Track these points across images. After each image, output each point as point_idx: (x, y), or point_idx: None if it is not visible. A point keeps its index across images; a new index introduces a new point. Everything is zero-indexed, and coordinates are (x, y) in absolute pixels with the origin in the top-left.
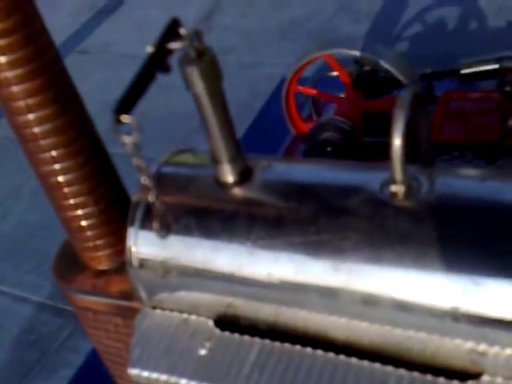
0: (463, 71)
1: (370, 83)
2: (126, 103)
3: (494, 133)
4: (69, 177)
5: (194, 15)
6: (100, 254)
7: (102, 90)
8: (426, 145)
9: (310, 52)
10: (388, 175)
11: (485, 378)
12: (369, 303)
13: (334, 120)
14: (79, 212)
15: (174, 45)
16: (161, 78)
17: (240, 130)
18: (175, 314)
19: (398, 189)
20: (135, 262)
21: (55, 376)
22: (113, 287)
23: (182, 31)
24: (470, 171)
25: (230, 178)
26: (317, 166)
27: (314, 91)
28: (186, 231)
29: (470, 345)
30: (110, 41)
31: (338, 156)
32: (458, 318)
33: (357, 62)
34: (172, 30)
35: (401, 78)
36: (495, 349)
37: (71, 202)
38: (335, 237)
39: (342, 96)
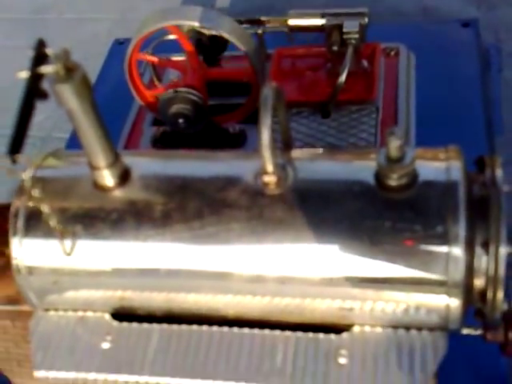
0: (291, 22)
1: (210, 48)
2: (17, 142)
3: (325, 89)
4: None
5: None
6: None
7: None
8: (285, 131)
9: (147, 24)
10: (258, 165)
11: (355, 328)
12: (251, 281)
13: (181, 92)
14: None
15: (45, 68)
16: None
17: None
18: (70, 313)
19: (269, 179)
20: (23, 270)
21: None
22: None
23: (49, 51)
24: (324, 153)
25: (109, 181)
26: (191, 161)
27: (154, 59)
28: (73, 236)
29: (338, 303)
30: None
31: (190, 125)
32: (323, 283)
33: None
34: (39, 53)
35: (240, 46)
36: (358, 304)
37: None
38: (220, 229)
39: (183, 60)
